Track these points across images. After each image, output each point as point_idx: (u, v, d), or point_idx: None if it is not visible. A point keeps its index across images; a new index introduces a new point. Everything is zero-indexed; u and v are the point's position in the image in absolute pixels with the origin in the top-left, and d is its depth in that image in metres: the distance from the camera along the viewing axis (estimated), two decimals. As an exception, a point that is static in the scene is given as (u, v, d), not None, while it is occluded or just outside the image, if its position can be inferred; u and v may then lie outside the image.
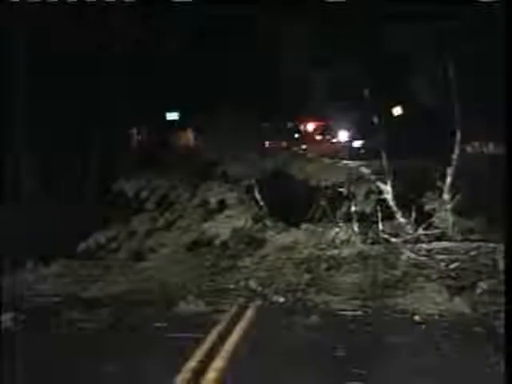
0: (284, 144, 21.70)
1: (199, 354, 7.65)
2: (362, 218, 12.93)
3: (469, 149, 11.68)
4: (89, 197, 20.68)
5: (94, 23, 19.64)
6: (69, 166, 20.74)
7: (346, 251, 12.24)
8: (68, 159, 20.77)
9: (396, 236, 12.60)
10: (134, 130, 26.07)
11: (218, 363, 7.31)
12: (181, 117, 25.25)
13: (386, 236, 12.64)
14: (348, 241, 12.54)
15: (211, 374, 6.95)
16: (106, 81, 21.37)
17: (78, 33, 19.24)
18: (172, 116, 26.08)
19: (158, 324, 9.12)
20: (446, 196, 12.79)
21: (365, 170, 13.33)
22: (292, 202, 13.70)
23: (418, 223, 12.68)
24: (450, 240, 12.28)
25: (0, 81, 18.21)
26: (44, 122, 19.63)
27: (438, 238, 12.41)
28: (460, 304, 9.27)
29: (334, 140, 27.75)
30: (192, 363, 7.29)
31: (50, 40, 18.74)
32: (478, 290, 9.86)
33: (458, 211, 12.68)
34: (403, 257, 11.83)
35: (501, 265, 10.35)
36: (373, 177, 13.16)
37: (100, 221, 13.61)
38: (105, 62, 21.22)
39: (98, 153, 22.16)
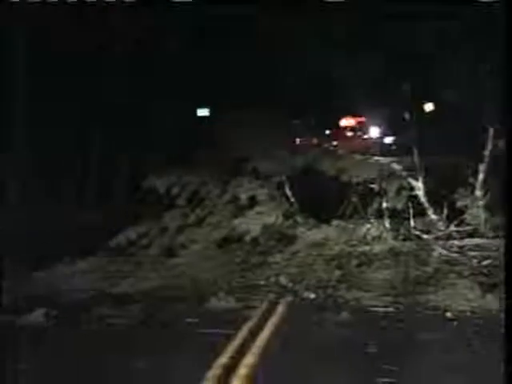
0: (315, 141, 21.64)
1: (230, 349, 7.65)
2: (394, 214, 12.87)
3: (501, 144, 11.54)
4: (120, 195, 20.86)
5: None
6: (99, 165, 20.92)
7: (377, 248, 12.19)
8: (98, 158, 20.97)
9: (428, 232, 12.52)
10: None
11: (249, 359, 7.31)
12: (211, 113, 25.24)
13: (417, 232, 12.57)
14: (379, 237, 12.49)
15: (242, 370, 6.94)
16: (137, 79, 21.54)
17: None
18: (203, 112, 26.07)
19: (189, 320, 9.15)
20: (478, 192, 12.68)
21: (396, 167, 13.26)
22: (323, 199, 13.66)
23: (449, 220, 12.58)
24: (481, 237, 12.18)
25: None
26: (67, 123, 19.87)
27: (470, 235, 12.32)
28: (492, 301, 9.20)
29: (365, 136, 27.62)
30: (223, 359, 7.29)
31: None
32: (510, 287, 9.78)
33: (489, 208, 12.57)
34: (435, 253, 11.76)
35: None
36: (404, 173, 13.08)
37: (131, 218, 13.69)
38: (132, 61, 21.41)
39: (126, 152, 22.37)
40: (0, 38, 17.91)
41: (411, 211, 12.81)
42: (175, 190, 13.32)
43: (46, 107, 19.82)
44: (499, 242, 11.71)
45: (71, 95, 20.59)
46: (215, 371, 6.88)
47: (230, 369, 6.97)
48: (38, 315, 9.24)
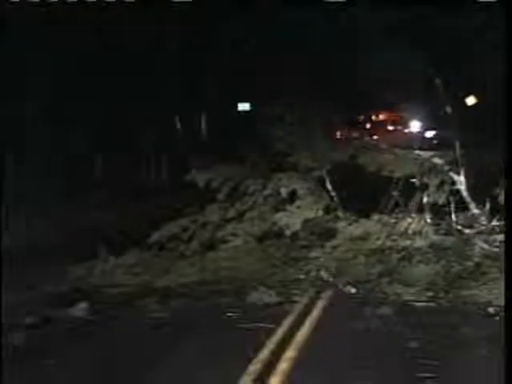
0: (355, 134, 21.58)
1: (271, 344, 7.67)
2: (435, 208, 12.77)
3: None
4: (162, 190, 21.02)
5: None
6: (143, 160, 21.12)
7: (418, 242, 12.10)
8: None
9: (469, 227, 12.41)
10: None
11: (290, 354, 7.32)
12: (253, 107, 25.31)
13: (459, 227, 12.46)
14: (420, 232, 12.39)
15: (283, 365, 6.96)
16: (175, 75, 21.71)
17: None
18: (244, 107, 26.14)
19: (229, 314, 9.19)
20: (521, 186, 12.53)
21: (438, 161, 13.15)
22: (363, 193, 13.61)
23: (492, 214, 12.46)
24: (525, 231, 12.04)
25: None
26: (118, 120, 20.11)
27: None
28: (535, 296, 9.10)
29: (407, 130, 27.47)
30: (263, 354, 7.31)
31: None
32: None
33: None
34: (476, 248, 11.66)
35: None
36: (446, 167, 12.97)
37: (173, 212, 13.76)
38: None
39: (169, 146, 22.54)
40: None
41: (453, 205, 12.71)
42: (215, 185, 13.33)
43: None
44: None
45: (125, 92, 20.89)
46: (256, 366, 6.90)
47: (271, 363, 6.99)
48: (80, 309, 9.35)
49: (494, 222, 12.35)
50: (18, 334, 8.13)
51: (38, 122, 18.70)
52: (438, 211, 12.76)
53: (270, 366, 6.87)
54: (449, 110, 13.62)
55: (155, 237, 12.81)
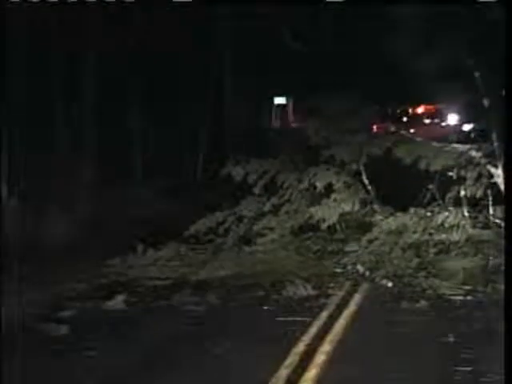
0: (392, 128, 21.48)
1: (307, 337, 7.69)
2: (472, 202, 12.68)
3: None
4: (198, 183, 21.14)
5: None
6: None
7: (455, 236, 12.02)
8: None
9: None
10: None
11: (326, 347, 7.33)
12: (289, 101, 25.35)
13: (496, 220, 12.36)
14: (457, 225, 12.29)
15: (320, 357, 6.97)
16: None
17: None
18: (280, 100, 26.15)
19: (266, 307, 9.23)
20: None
21: (475, 154, 13.04)
22: (400, 186, 13.55)
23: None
24: None
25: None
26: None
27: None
28: None
29: (443, 123, 27.32)
30: (300, 347, 7.33)
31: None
32: None
33: None
34: (515, 242, 11.55)
35: None
36: (483, 160, 12.86)
37: (209, 206, 13.83)
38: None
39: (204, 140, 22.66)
40: None
41: (490, 199, 12.60)
42: (252, 178, 13.35)
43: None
44: None
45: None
46: (292, 358, 6.92)
47: (308, 356, 7.01)
48: (118, 302, 9.44)
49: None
50: (56, 326, 8.23)
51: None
52: (476, 204, 12.66)
53: (306, 359, 6.89)
54: (486, 102, 13.49)
55: (192, 230, 12.89)
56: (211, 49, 22.89)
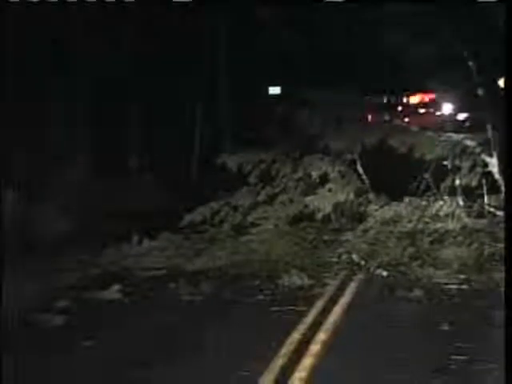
0: (386, 117, 21.44)
1: (302, 326, 7.70)
2: (467, 191, 12.70)
3: None
4: (192, 174, 21.14)
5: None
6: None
7: (450, 225, 12.04)
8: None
9: (502, 209, 12.31)
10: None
11: (322, 336, 7.34)
12: (284, 91, 25.23)
13: (491, 209, 12.39)
14: (452, 214, 12.32)
15: (315, 347, 6.98)
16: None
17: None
18: (275, 90, 26.04)
19: (261, 297, 9.23)
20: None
21: (469, 143, 13.05)
22: (395, 176, 13.55)
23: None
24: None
25: None
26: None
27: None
28: None
29: (438, 113, 27.27)
30: (295, 336, 7.34)
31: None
32: None
33: None
34: (509, 230, 11.57)
35: None
36: (478, 149, 12.87)
37: (204, 196, 13.83)
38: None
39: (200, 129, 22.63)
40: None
41: (485, 188, 12.62)
42: (246, 168, 13.35)
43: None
44: None
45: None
46: (288, 348, 6.93)
47: (303, 345, 7.02)
48: (113, 291, 9.44)
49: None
50: (52, 316, 8.23)
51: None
52: (471, 193, 12.69)
53: (301, 349, 6.90)
54: (481, 92, 13.48)
55: (187, 220, 12.89)
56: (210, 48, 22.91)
